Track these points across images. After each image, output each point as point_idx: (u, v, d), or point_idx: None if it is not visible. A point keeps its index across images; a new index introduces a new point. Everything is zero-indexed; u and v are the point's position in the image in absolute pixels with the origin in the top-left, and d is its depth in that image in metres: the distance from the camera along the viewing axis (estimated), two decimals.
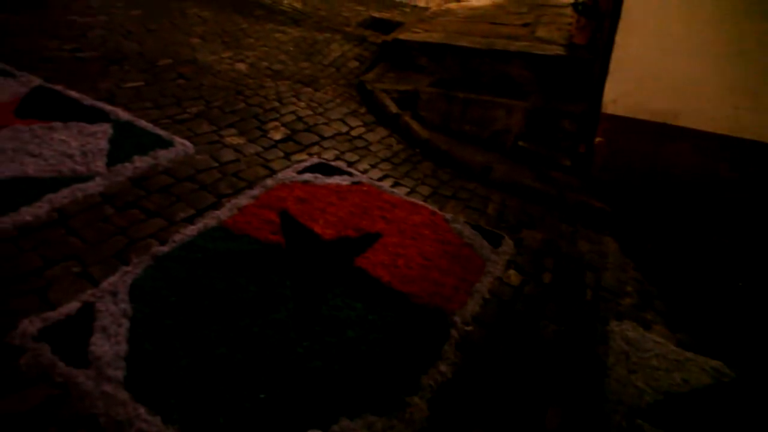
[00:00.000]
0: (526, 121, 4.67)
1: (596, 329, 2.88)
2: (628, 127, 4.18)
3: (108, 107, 3.95)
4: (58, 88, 4.11)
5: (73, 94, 4.06)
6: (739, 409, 2.56)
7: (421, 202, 3.62)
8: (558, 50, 5.23)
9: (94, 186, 3.15)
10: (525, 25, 6.16)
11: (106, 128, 3.68)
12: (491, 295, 2.94)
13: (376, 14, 7.33)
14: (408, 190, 3.78)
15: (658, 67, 4.03)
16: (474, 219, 3.60)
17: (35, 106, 3.82)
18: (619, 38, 4.07)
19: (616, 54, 4.10)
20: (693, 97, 3.89)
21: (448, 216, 3.49)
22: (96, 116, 3.81)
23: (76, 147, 3.43)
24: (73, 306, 2.40)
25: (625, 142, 4.21)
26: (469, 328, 2.70)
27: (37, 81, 4.16)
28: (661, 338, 2.87)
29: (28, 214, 2.86)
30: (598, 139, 4.31)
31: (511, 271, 3.18)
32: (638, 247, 3.64)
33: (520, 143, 4.58)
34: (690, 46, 3.80)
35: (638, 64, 4.07)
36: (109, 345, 2.24)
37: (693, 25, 3.77)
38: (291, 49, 5.82)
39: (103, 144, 3.51)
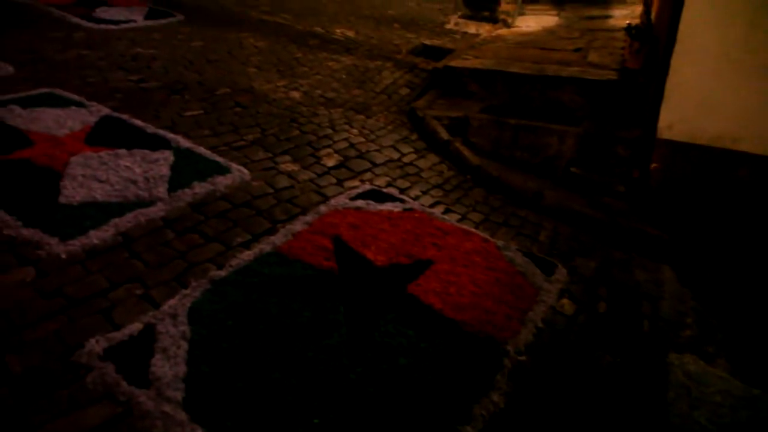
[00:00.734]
0: (578, 146, 4.63)
1: (655, 362, 2.79)
2: (685, 152, 4.08)
3: (169, 135, 4.13)
4: (124, 116, 4.34)
5: (138, 122, 4.27)
6: None
7: (473, 229, 3.61)
8: (611, 75, 5.18)
9: (156, 211, 3.29)
10: (576, 50, 6.13)
11: (168, 155, 3.85)
12: (544, 325, 2.89)
13: (427, 41, 7.42)
14: (459, 216, 3.78)
15: (717, 91, 3.93)
16: (526, 246, 3.57)
17: (103, 134, 4.04)
18: (675, 63, 4.00)
19: (672, 79, 4.03)
20: (754, 122, 3.78)
21: (500, 243, 3.47)
22: (158, 144, 3.99)
23: (140, 173, 3.60)
24: (135, 327, 2.50)
25: (682, 168, 4.11)
26: (522, 357, 2.66)
27: (105, 110, 4.40)
28: (725, 373, 2.75)
29: (95, 237, 3.02)
30: (653, 165, 4.22)
31: (565, 300, 3.13)
32: (697, 276, 3.52)
33: (572, 169, 4.52)
34: (749, 70, 3.71)
35: (695, 88, 3.98)
36: (168, 366, 2.31)
37: (752, 49, 3.68)
38: (343, 77, 5.95)
39: (165, 170, 3.67)
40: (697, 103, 4.00)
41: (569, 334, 2.90)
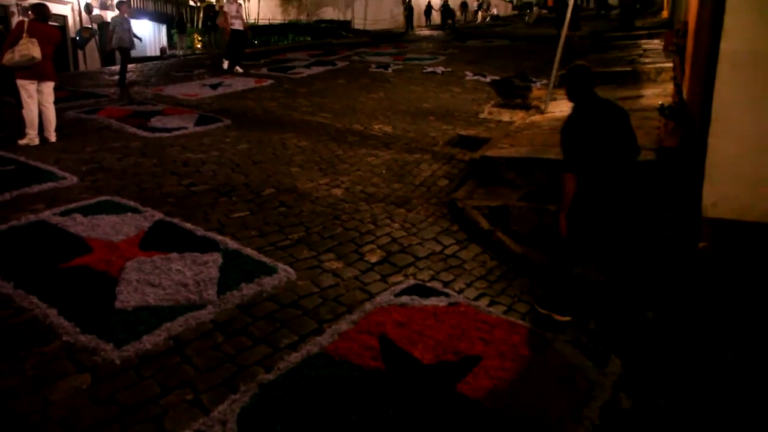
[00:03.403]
0: (621, 229, 4.57)
1: None
2: (734, 230, 3.99)
3: (218, 237, 4.30)
4: (176, 220, 4.55)
5: (188, 225, 4.47)
6: None
7: (520, 321, 3.56)
8: (648, 155, 5.18)
9: (205, 314, 3.38)
10: None
11: (217, 257, 3.98)
12: (601, 422, 2.76)
13: (463, 132, 7.62)
14: (505, 308, 3.74)
15: (760, 166, 3.89)
16: (576, 336, 3.47)
17: (156, 238, 4.23)
18: (713, 141, 4.00)
19: (711, 157, 4.01)
20: None
21: (549, 335, 3.40)
22: (207, 246, 4.15)
23: (191, 276, 3.72)
24: None
25: (732, 246, 4.00)
26: None
27: (158, 215, 4.63)
28: None
29: (148, 342, 3.10)
30: (701, 245, 4.12)
31: (621, 394, 2.99)
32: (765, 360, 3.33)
33: (618, 252, 4.45)
34: None
35: (737, 165, 3.95)
36: None
37: None
38: (383, 171, 6.13)
39: (214, 272, 3.79)
40: (740, 179, 3.95)
41: (629, 431, 2.76)
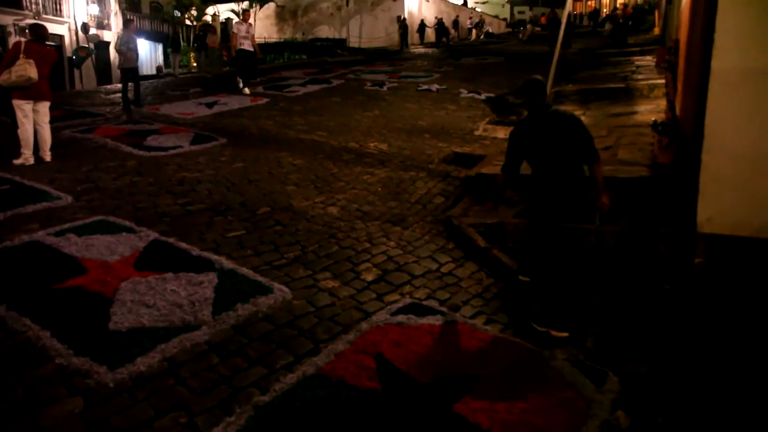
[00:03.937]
0: (617, 245, 4.58)
1: None
2: (729, 245, 4.00)
3: (213, 257, 4.27)
4: (171, 240, 4.53)
5: (183, 245, 4.44)
6: None
7: (516, 339, 3.54)
8: (642, 171, 5.22)
9: (200, 335, 3.35)
10: (606, 148, 6.21)
11: (212, 277, 3.96)
12: None
13: (458, 149, 7.63)
14: (502, 326, 3.73)
15: (753, 182, 3.92)
16: (573, 354, 3.45)
17: (151, 258, 4.20)
18: (706, 157, 4.04)
19: (705, 173, 4.04)
20: None
21: (546, 353, 3.38)
22: (203, 266, 4.12)
23: (185, 297, 3.70)
24: None
25: (728, 261, 4.01)
26: None
27: (153, 235, 4.60)
28: None
29: (142, 364, 3.07)
30: (697, 260, 4.13)
31: (620, 413, 2.97)
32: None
33: (614, 269, 4.46)
34: None
35: (731, 181, 3.98)
36: None
37: None
38: (379, 189, 6.13)
39: (209, 293, 3.76)
40: (735, 195, 3.98)
41: None
